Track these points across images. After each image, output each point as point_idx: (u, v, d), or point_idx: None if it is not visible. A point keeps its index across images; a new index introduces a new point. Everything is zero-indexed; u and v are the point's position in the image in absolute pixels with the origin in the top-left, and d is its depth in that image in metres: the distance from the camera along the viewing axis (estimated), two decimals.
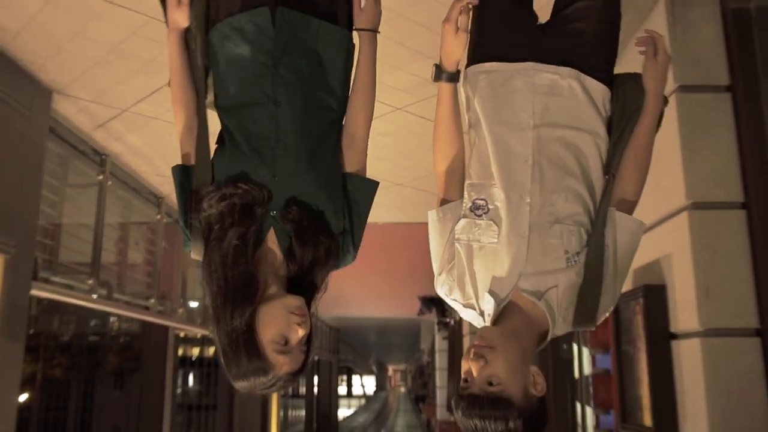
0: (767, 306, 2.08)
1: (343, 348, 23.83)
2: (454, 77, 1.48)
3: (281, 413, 12.40)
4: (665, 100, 1.49)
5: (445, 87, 1.49)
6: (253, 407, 9.96)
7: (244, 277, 1.25)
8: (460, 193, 1.48)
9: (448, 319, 10.95)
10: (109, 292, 4.35)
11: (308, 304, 1.31)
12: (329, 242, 1.33)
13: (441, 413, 12.24)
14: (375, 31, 1.49)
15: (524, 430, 1.20)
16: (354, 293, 12.32)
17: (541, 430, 1.26)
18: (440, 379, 13.03)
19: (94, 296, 4.06)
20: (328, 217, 1.36)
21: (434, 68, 1.49)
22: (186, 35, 1.45)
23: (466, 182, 1.48)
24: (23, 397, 6.72)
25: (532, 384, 1.27)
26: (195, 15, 1.44)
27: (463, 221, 1.43)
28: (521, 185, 1.38)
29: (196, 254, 1.36)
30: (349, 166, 1.43)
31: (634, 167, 1.43)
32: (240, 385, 1.24)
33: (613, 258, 1.38)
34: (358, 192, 1.42)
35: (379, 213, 5.80)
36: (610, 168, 1.43)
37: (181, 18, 1.43)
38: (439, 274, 1.47)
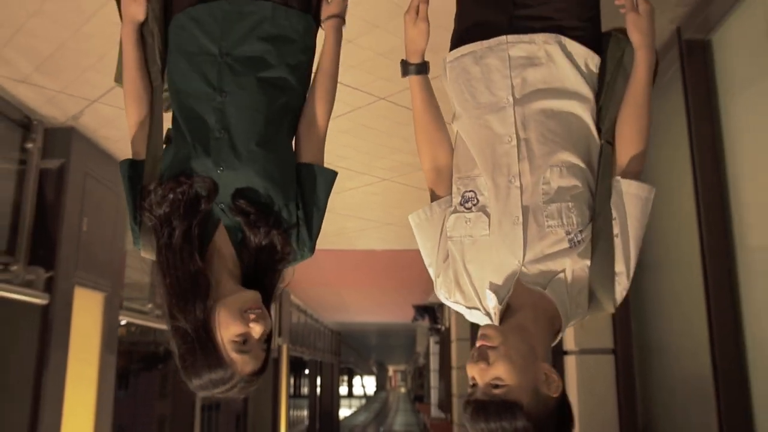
0: (619, 332, 3.19)
1: (345, 350, 24.24)
2: (421, 69, 1.44)
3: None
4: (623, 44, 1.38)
5: (414, 80, 1.44)
6: (265, 407, 10.53)
7: (193, 275, 1.19)
8: (449, 189, 1.41)
9: (439, 326, 11.46)
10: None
11: (268, 299, 1.25)
12: (281, 234, 1.28)
13: (434, 411, 12.68)
14: (340, 17, 1.45)
15: None
16: (354, 302, 13.01)
17: None
18: (434, 379, 13.52)
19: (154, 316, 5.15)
20: (279, 208, 1.30)
21: (401, 64, 1.46)
22: (142, 29, 1.42)
23: (454, 176, 1.41)
24: None
25: (544, 383, 1.16)
26: (152, 8, 1.41)
27: (452, 217, 1.36)
28: (507, 168, 1.30)
29: (147, 253, 1.32)
30: (305, 156, 1.37)
31: (634, 129, 1.30)
32: (198, 387, 1.17)
33: (621, 231, 1.26)
34: (313, 183, 1.35)
35: (377, 242, 6.90)
36: (602, 132, 1.34)
37: (138, 11, 1.39)
38: (437, 278, 1.38)
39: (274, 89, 1.36)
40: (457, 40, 1.45)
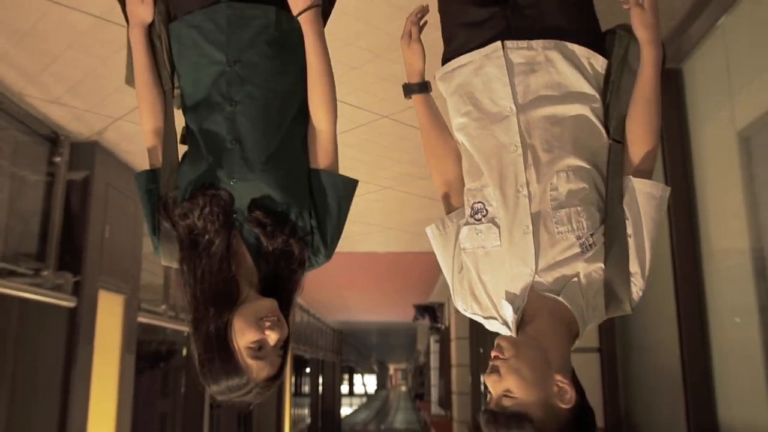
0: (604, 332, 3.45)
1: (346, 348, 24.26)
2: (422, 88, 1.47)
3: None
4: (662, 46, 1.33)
5: (417, 99, 1.47)
6: (269, 406, 10.64)
7: (227, 284, 1.21)
8: (462, 200, 1.41)
9: (439, 325, 11.49)
10: (176, 313, 5.54)
11: (286, 306, 1.26)
12: (297, 243, 1.28)
13: (434, 408, 12.81)
14: (312, 7, 1.34)
15: None
16: (356, 302, 13.21)
17: None
18: (434, 377, 13.60)
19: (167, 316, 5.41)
20: (294, 217, 1.29)
21: (403, 87, 1.49)
22: (150, 32, 1.39)
23: (465, 188, 1.41)
24: None
25: (557, 395, 1.16)
26: (159, 10, 1.39)
27: (465, 229, 1.36)
28: (514, 177, 1.30)
29: (167, 261, 1.33)
30: (316, 162, 1.35)
31: (643, 127, 1.29)
32: (216, 392, 1.19)
33: (635, 231, 1.25)
34: (326, 190, 1.33)
35: (379, 245, 7.16)
36: (610, 131, 1.32)
37: (146, 13, 1.37)
38: (455, 290, 1.40)
39: (284, 96, 1.34)
40: (448, 53, 1.45)
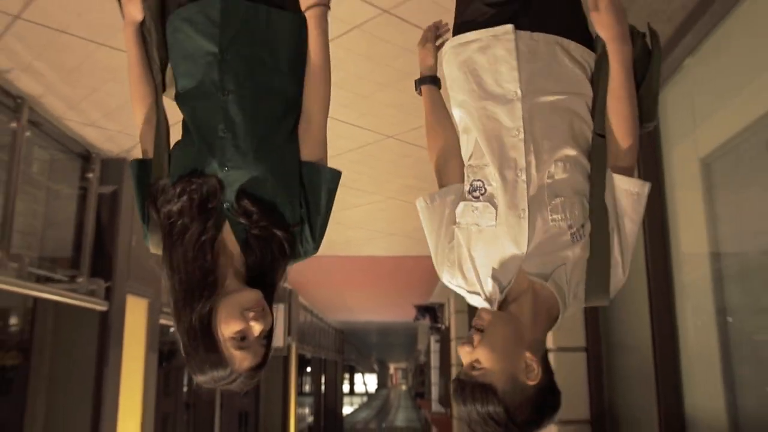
0: (590, 332, 3.79)
1: (346, 348, 24.32)
2: (432, 80, 1.57)
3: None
4: (638, 38, 1.39)
5: (426, 90, 1.57)
6: (275, 405, 10.99)
7: (203, 273, 1.22)
8: (454, 179, 1.44)
9: (439, 325, 11.68)
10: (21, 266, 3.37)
11: (269, 295, 1.27)
12: (284, 234, 1.29)
13: (435, 406, 12.97)
14: (321, 5, 1.42)
15: (509, 419, 1.16)
16: (358, 302, 13.53)
17: (539, 423, 1.21)
18: (435, 376, 13.66)
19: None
20: (282, 207, 1.31)
21: (415, 82, 1.60)
22: (142, 28, 1.44)
23: (466, 163, 1.43)
24: None
25: (523, 371, 1.20)
26: (148, 6, 1.43)
27: (462, 204, 1.39)
28: (515, 161, 1.32)
29: (154, 248, 1.36)
30: (306, 154, 1.37)
31: (618, 123, 1.32)
32: (201, 380, 1.22)
33: (617, 225, 1.29)
34: (316, 181, 1.35)
35: (381, 249, 7.49)
36: (594, 125, 1.36)
37: (135, 11, 1.42)
38: (439, 261, 1.42)
39: (275, 89, 1.38)
40: (458, 29, 1.48)
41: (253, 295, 1.22)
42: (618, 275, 1.30)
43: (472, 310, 1.42)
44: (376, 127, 3.73)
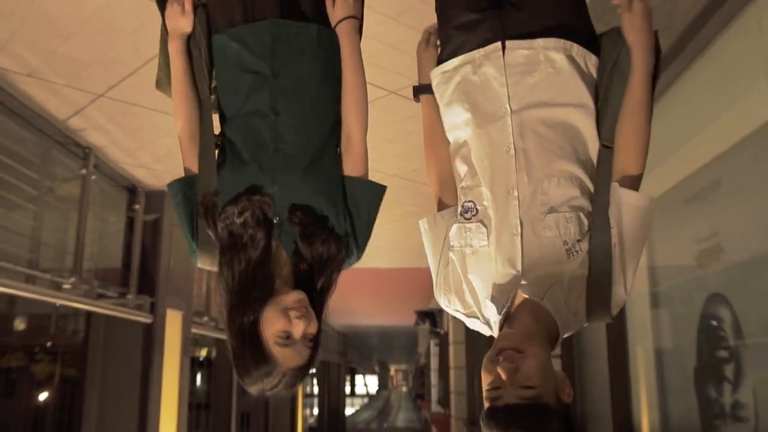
0: (564, 341, 4.41)
1: (348, 350, 24.43)
2: (431, 89, 1.47)
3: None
4: (657, 51, 1.31)
5: (425, 99, 1.49)
6: (284, 405, 11.35)
7: (263, 281, 1.26)
8: (456, 200, 1.41)
9: (439, 329, 12.04)
10: (216, 323, 6.38)
11: (320, 304, 1.31)
12: (335, 242, 1.32)
13: (434, 407, 13.22)
14: (351, 17, 1.42)
15: None
16: (361, 308, 13.94)
17: None
18: (434, 378, 13.88)
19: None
20: (332, 220, 1.34)
21: (414, 89, 1.50)
22: (189, 42, 1.43)
23: (459, 185, 1.41)
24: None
25: (561, 389, 1.16)
26: (199, 21, 1.43)
27: (455, 227, 1.36)
28: (506, 178, 1.29)
29: (204, 264, 1.37)
30: (348, 169, 1.39)
31: (631, 135, 1.26)
32: (249, 384, 1.23)
33: (620, 241, 1.23)
34: (358, 196, 1.38)
35: (385, 262, 8.13)
36: (600, 136, 1.30)
37: (186, 24, 1.41)
38: (438, 286, 1.40)
39: (324, 108, 1.40)
40: (447, 52, 1.45)
41: (296, 296, 1.25)
42: (620, 292, 1.24)
43: None
44: (383, 168, 4.40)
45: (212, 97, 1.47)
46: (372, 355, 39.30)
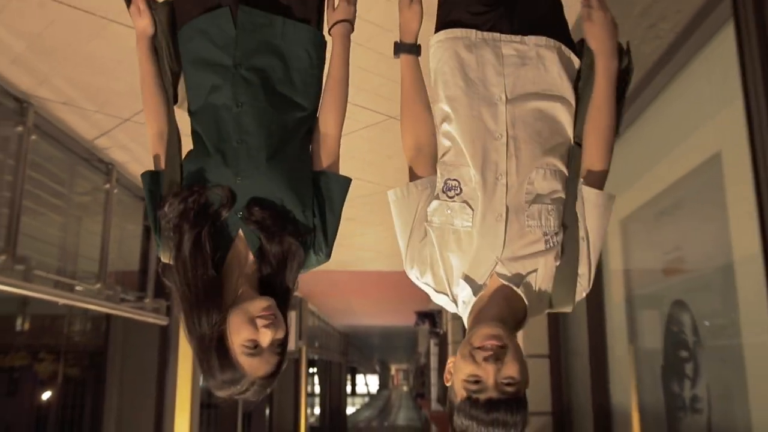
0: (553, 342, 4.75)
1: (349, 349, 24.46)
2: (413, 49, 1.45)
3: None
4: (623, 56, 1.38)
5: (405, 59, 1.44)
6: (287, 404, 11.71)
7: (205, 282, 1.20)
8: (430, 170, 1.39)
9: (438, 329, 12.19)
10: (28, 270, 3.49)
11: (283, 304, 1.27)
12: (296, 241, 1.29)
13: (434, 405, 13.35)
14: (346, 21, 1.45)
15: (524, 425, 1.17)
16: (362, 309, 14.31)
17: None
18: (434, 377, 14.02)
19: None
20: (296, 215, 1.31)
21: (394, 45, 1.46)
22: (154, 41, 1.44)
23: (439, 160, 1.39)
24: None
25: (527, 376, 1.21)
26: (159, 20, 1.44)
27: (435, 203, 1.35)
28: (495, 164, 1.31)
29: (166, 258, 1.34)
30: (320, 163, 1.39)
31: (595, 135, 1.33)
32: (216, 390, 1.20)
33: (586, 235, 1.30)
34: (330, 189, 1.37)
35: (385, 265, 8.46)
36: (574, 135, 1.36)
37: (146, 24, 1.42)
38: (409, 257, 1.38)
39: (287, 101, 1.39)
40: (445, 19, 1.46)
41: (263, 303, 1.21)
42: (584, 283, 1.31)
43: None
44: (382, 181, 4.73)
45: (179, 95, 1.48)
46: (373, 354, 39.30)
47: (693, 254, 2.78)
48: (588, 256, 1.31)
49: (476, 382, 1.16)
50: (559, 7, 1.51)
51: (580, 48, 1.45)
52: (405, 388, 48.41)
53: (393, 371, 54.20)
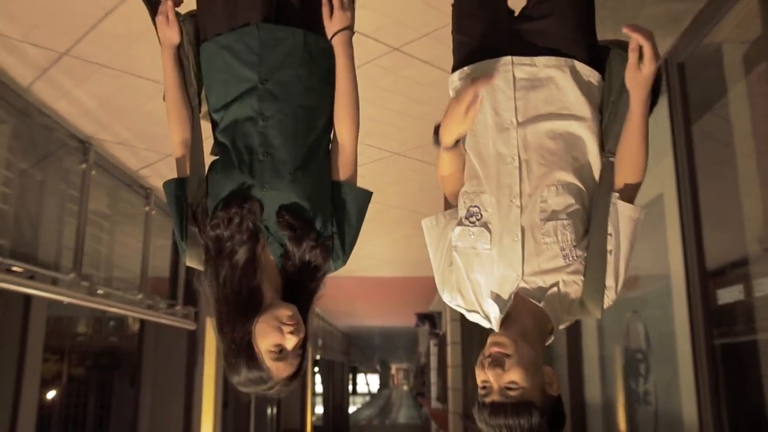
0: None
1: (351, 349, 24.66)
2: (451, 149, 1.45)
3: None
4: (655, 94, 1.37)
5: (444, 154, 1.46)
6: (294, 403, 12.18)
7: (249, 293, 1.28)
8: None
9: (437, 331, 12.39)
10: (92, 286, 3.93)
11: (305, 309, 1.33)
12: (321, 247, 1.35)
13: (434, 404, 13.39)
14: (346, 29, 1.45)
15: (547, 429, 1.21)
16: (365, 310, 14.64)
17: (561, 429, 1.26)
18: (433, 376, 14.01)
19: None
20: (318, 224, 1.36)
21: (434, 135, 1.48)
22: (179, 52, 1.47)
23: (461, 190, 1.46)
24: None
25: (548, 384, 1.26)
26: (187, 31, 1.47)
27: (458, 229, 1.42)
28: (509, 188, 1.36)
29: (191, 262, 1.40)
30: (338, 174, 1.43)
31: (629, 156, 1.35)
32: (241, 387, 1.28)
33: (615, 248, 1.33)
34: (347, 201, 1.41)
35: (388, 271, 8.95)
36: (606, 149, 1.38)
37: (173, 35, 1.45)
38: (440, 282, 1.46)
39: (312, 113, 1.42)
40: (460, 58, 1.50)
41: (288, 311, 1.27)
42: (611, 295, 1.34)
43: (466, 319, 1.48)
44: (385, 201, 5.32)
45: (202, 105, 1.52)
46: (374, 354, 38.70)
47: (644, 273, 3.37)
48: (616, 268, 1.34)
49: (484, 387, 1.25)
50: (575, 19, 1.47)
51: (608, 53, 1.45)
52: (405, 387, 48.26)
53: (394, 371, 53.85)
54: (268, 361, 1.26)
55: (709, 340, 2.55)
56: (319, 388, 19.55)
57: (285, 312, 1.27)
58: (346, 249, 1.42)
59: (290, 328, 1.25)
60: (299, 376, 1.32)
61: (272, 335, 1.25)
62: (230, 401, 9.02)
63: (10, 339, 3.53)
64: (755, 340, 2.45)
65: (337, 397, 20.66)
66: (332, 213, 1.41)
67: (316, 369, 18.86)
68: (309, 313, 1.36)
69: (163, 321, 5.18)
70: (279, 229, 1.34)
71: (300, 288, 1.36)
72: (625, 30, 1.29)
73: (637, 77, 1.31)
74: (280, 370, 1.27)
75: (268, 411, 10.89)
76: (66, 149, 3.85)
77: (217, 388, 6.13)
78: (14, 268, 3.17)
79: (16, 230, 3.50)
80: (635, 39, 1.28)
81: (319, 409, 19.18)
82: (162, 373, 5.62)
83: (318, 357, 16.63)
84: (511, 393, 1.22)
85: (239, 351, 1.26)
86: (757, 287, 2.39)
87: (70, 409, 8.28)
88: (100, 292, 3.89)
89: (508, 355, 1.23)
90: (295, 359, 1.29)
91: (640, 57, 1.29)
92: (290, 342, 1.26)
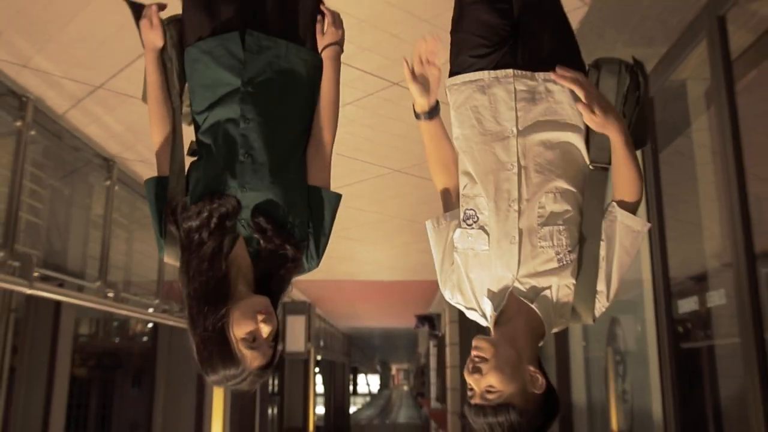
0: None
1: (352, 350, 24.66)
2: (431, 114, 1.53)
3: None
4: (627, 70, 1.45)
5: (424, 125, 1.54)
6: (297, 402, 12.22)
7: (218, 282, 1.30)
8: (458, 203, 1.52)
9: (437, 332, 12.46)
10: (116, 293, 4.27)
11: (275, 303, 1.36)
12: (293, 250, 1.39)
13: (433, 403, 13.60)
14: (336, 44, 1.54)
15: (529, 427, 1.26)
16: (365, 312, 14.84)
17: (549, 424, 1.31)
18: (433, 377, 14.33)
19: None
20: (292, 226, 1.40)
21: (413, 110, 1.54)
22: (162, 54, 1.50)
23: (460, 192, 1.51)
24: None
25: (530, 383, 1.30)
26: (171, 35, 1.51)
27: (458, 231, 1.48)
28: (508, 193, 1.41)
29: (170, 259, 1.43)
30: (313, 179, 1.48)
31: (622, 182, 1.39)
32: (213, 379, 1.29)
33: (608, 254, 1.36)
34: (321, 204, 1.46)
35: (387, 275, 9.20)
36: (590, 158, 1.43)
37: (156, 38, 1.48)
38: (442, 280, 1.52)
39: (291, 118, 1.48)
40: (460, 64, 1.55)
41: (262, 300, 1.31)
42: (602, 300, 1.38)
43: (464, 320, 1.74)
44: (385, 211, 5.62)
45: (184, 106, 1.55)
46: (374, 355, 38.97)
47: (624, 283, 3.68)
48: (608, 274, 1.38)
49: (470, 389, 1.33)
50: (566, 38, 1.57)
51: (608, 71, 1.49)
52: (405, 388, 47.99)
53: (394, 371, 53.48)
54: (242, 350, 1.27)
55: (672, 344, 2.85)
56: (320, 388, 19.28)
57: (260, 301, 1.31)
58: (320, 250, 1.46)
59: (264, 317, 1.28)
60: (271, 367, 1.33)
61: (246, 323, 1.27)
62: (236, 401, 9.37)
63: (40, 343, 3.84)
64: (712, 345, 2.75)
65: (338, 397, 20.50)
66: (309, 215, 1.46)
67: (317, 369, 18.86)
68: (277, 308, 1.39)
69: (178, 324, 5.46)
70: (251, 230, 1.39)
71: (270, 284, 1.39)
72: (554, 76, 1.40)
73: (594, 120, 1.35)
74: (253, 359, 1.28)
75: (269, 411, 10.97)
76: (91, 166, 4.17)
77: (226, 392, 6.38)
78: (46, 276, 3.44)
79: (46, 241, 3.81)
80: (567, 86, 1.39)
81: (320, 410, 18.92)
82: (174, 375, 5.86)
83: (319, 357, 16.66)
84: (490, 396, 1.28)
85: (212, 339, 1.27)
86: (711, 298, 2.69)
87: (71, 409, 7.73)
88: (123, 296, 4.17)
89: (486, 360, 1.29)
90: (268, 350, 1.31)
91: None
92: (264, 330, 1.29)
